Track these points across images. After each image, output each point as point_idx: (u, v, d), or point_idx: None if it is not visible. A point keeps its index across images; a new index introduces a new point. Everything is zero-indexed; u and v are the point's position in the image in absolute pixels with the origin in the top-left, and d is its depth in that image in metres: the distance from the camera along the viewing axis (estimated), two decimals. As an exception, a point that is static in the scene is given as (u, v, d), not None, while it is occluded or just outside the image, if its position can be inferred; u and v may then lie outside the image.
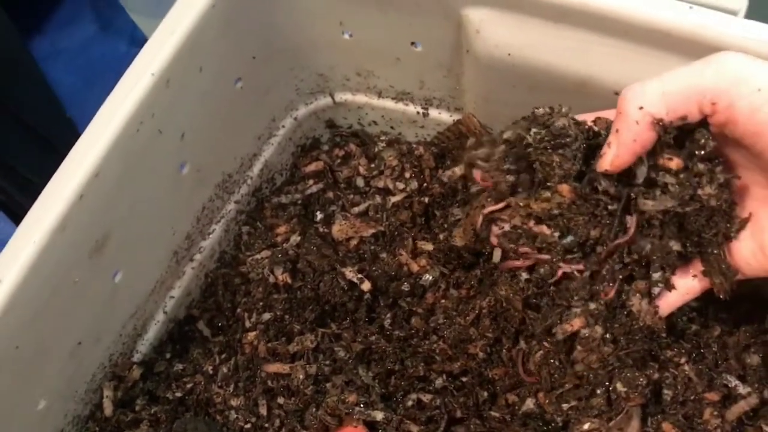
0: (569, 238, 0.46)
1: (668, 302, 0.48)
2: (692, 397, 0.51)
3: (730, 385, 0.52)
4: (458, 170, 0.66)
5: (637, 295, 0.48)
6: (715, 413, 0.50)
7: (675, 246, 0.45)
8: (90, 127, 0.49)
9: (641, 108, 0.41)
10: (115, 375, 0.58)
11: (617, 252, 0.47)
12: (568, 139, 0.44)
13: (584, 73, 0.52)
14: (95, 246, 0.51)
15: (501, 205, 0.48)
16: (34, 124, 0.78)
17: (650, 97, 0.40)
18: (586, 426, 0.48)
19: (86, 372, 0.56)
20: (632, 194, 0.44)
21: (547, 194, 0.46)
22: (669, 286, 0.47)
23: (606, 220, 0.46)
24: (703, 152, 0.42)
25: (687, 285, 0.48)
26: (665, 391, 0.50)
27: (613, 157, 0.42)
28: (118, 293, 0.56)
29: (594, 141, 0.46)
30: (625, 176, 0.44)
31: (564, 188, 0.45)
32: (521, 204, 0.47)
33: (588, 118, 0.47)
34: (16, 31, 0.85)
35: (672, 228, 0.44)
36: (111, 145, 0.49)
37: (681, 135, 0.43)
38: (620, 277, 0.47)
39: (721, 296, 0.46)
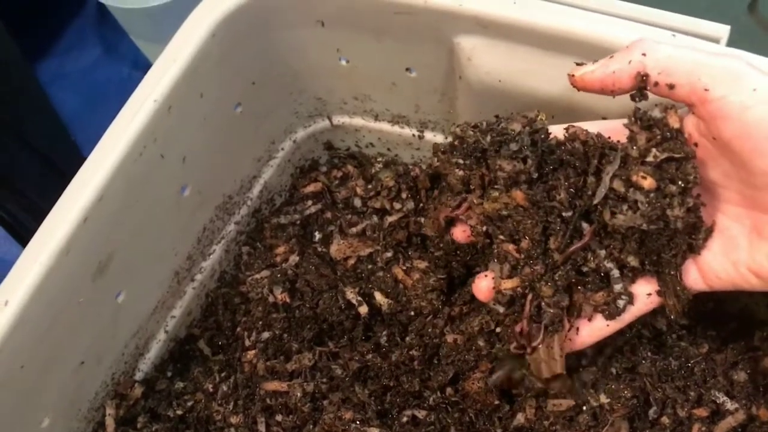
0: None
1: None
2: (681, 413, 0.52)
3: (718, 402, 0.53)
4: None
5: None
6: (704, 429, 0.52)
7: (633, 261, 0.45)
8: (94, 152, 0.51)
9: (643, 54, 0.42)
10: (117, 393, 0.60)
11: (572, 259, 0.47)
12: (513, 145, 0.45)
13: (572, 99, 0.53)
14: (99, 267, 0.52)
15: (459, 202, 0.49)
16: (40, 147, 0.80)
17: (657, 52, 0.41)
18: (574, 440, 0.49)
19: (89, 390, 0.57)
20: (594, 205, 0.44)
21: (496, 194, 0.46)
22: (632, 299, 0.47)
23: (559, 226, 0.46)
24: (685, 184, 0.43)
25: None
26: (653, 407, 0.52)
27: (587, 70, 0.44)
28: (121, 313, 0.57)
29: (559, 151, 0.46)
30: (581, 192, 0.45)
31: (517, 194, 0.45)
32: (475, 202, 0.48)
33: (559, 128, 0.48)
34: (23, 56, 0.87)
35: (633, 243, 0.45)
36: (114, 169, 0.50)
37: (668, 162, 0.44)
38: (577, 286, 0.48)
39: (672, 316, 0.47)
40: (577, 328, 0.49)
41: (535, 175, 0.45)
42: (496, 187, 0.46)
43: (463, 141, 0.48)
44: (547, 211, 0.46)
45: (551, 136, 0.47)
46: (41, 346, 0.50)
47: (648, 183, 0.42)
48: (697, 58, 0.41)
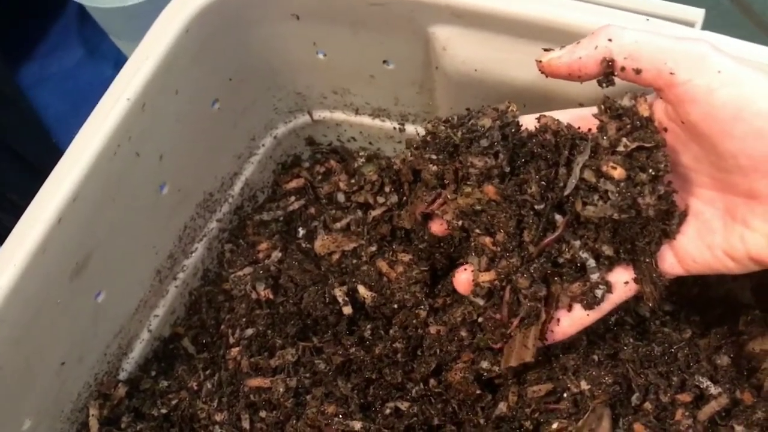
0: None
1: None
2: (664, 399, 0.52)
3: (701, 386, 0.53)
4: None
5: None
6: (687, 414, 0.51)
7: (608, 251, 0.45)
8: (68, 152, 0.51)
9: (609, 40, 0.42)
10: (100, 393, 0.60)
11: (546, 251, 0.47)
12: (483, 141, 0.45)
13: (548, 86, 0.53)
14: (76, 268, 0.52)
15: (433, 197, 0.49)
16: (20, 150, 0.80)
17: (623, 38, 0.42)
18: (555, 426, 0.49)
19: (71, 391, 0.57)
20: (567, 197, 0.44)
21: (469, 189, 0.46)
22: (610, 288, 0.47)
23: (532, 219, 0.46)
24: (656, 173, 0.43)
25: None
26: (636, 393, 0.51)
27: (554, 56, 0.44)
28: (102, 313, 0.57)
29: (530, 143, 0.46)
30: (553, 183, 0.45)
31: (489, 189, 0.45)
32: (449, 197, 0.48)
33: (531, 118, 0.48)
34: (1, 60, 0.87)
35: (606, 233, 0.45)
36: (88, 169, 0.50)
37: (638, 151, 0.43)
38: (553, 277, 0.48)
39: (650, 304, 0.47)
40: (558, 320, 0.49)
41: (507, 169, 0.45)
42: (468, 183, 0.46)
43: (435, 137, 0.48)
44: (519, 204, 0.46)
45: (522, 128, 0.47)
46: (19, 348, 0.49)
47: (618, 173, 0.42)
48: (662, 43, 0.41)
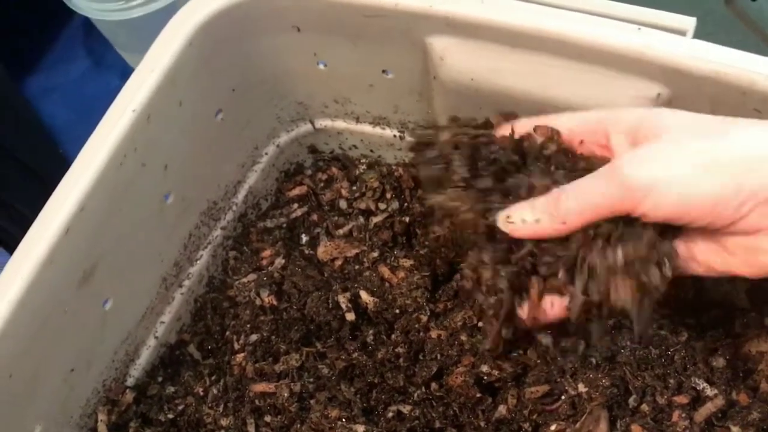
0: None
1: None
2: (661, 400, 0.53)
3: (698, 388, 0.54)
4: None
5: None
6: (684, 415, 0.52)
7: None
8: (75, 163, 0.52)
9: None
10: (108, 399, 0.61)
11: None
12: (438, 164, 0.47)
13: (543, 94, 0.54)
14: (83, 276, 0.53)
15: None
16: (27, 161, 0.81)
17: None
18: (553, 427, 0.50)
19: (80, 397, 0.58)
20: None
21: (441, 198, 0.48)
22: None
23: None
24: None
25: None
26: (633, 395, 0.52)
27: (516, 227, 0.45)
28: (109, 321, 0.58)
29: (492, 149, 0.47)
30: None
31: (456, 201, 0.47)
32: (439, 200, 0.49)
33: (528, 125, 0.48)
34: (7, 73, 0.88)
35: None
36: (95, 180, 0.51)
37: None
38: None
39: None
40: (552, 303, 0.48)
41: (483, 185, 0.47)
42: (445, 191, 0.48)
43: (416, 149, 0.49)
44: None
45: (495, 148, 0.48)
46: (29, 355, 0.51)
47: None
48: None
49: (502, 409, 0.53)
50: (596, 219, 0.42)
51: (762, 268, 0.42)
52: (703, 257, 0.44)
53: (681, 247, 0.45)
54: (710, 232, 0.42)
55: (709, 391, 0.53)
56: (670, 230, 0.43)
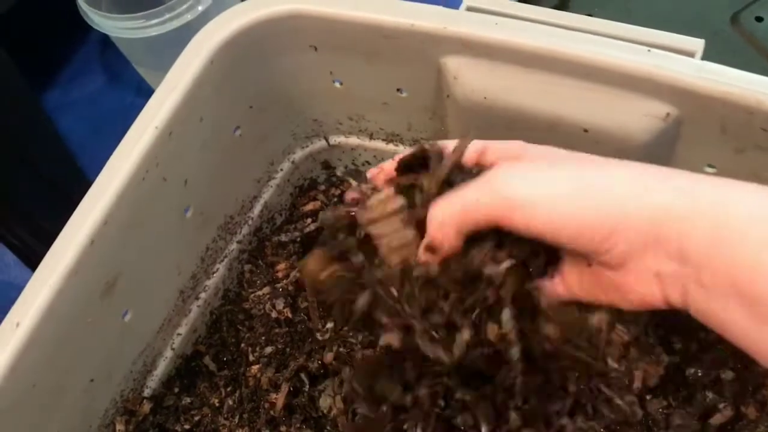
0: None
1: None
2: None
3: (706, 400, 0.55)
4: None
5: None
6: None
7: None
8: (99, 177, 0.54)
9: None
10: (126, 410, 0.62)
11: None
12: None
13: (554, 113, 0.55)
14: (106, 288, 0.55)
15: None
16: (47, 174, 0.83)
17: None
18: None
19: (99, 407, 0.59)
20: None
21: None
22: None
23: None
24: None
25: None
26: (643, 408, 0.53)
27: None
28: (128, 332, 0.60)
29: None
30: None
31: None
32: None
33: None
34: (29, 88, 0.90)
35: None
36: (119, 194, 0.53)
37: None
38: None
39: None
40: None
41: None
42: None
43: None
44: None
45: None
46: (52, 365, 0.52)
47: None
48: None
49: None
50: (472, 227, 0.41)
51: (633, 304, 0.40)
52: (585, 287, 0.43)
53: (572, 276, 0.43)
54: (590, 263, 0.41)
55: (719, 404, 0.54)
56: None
